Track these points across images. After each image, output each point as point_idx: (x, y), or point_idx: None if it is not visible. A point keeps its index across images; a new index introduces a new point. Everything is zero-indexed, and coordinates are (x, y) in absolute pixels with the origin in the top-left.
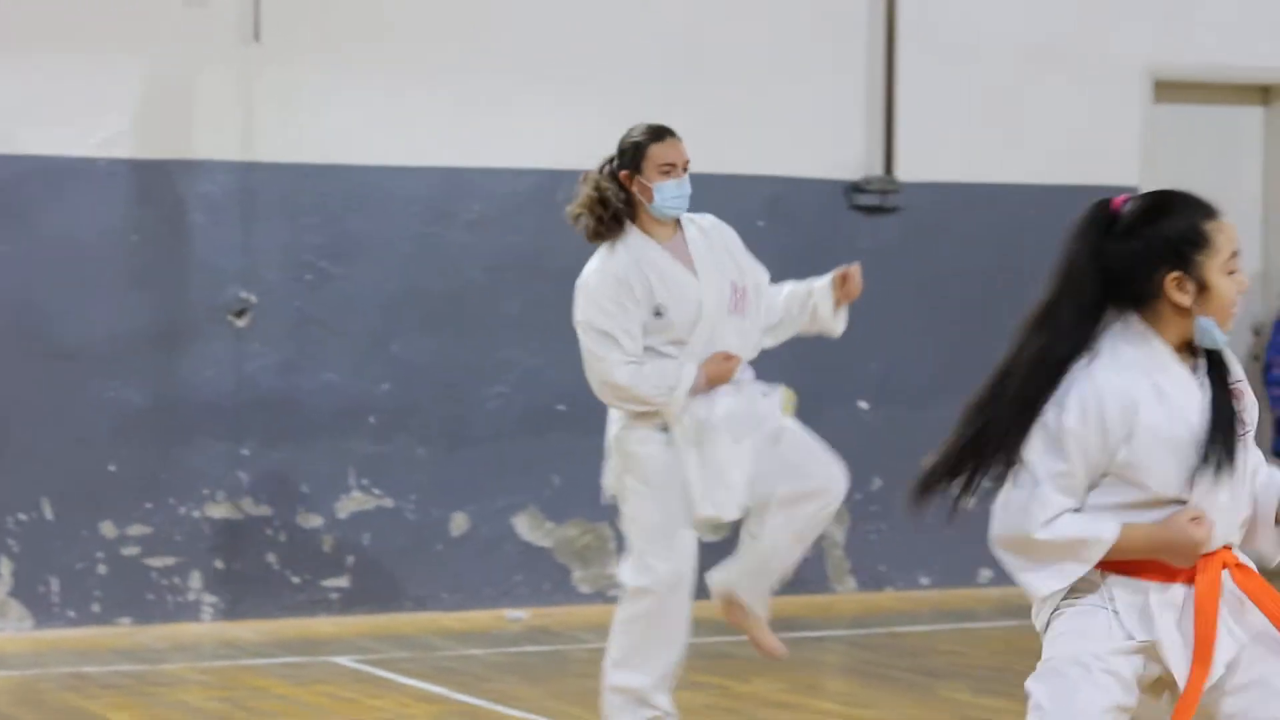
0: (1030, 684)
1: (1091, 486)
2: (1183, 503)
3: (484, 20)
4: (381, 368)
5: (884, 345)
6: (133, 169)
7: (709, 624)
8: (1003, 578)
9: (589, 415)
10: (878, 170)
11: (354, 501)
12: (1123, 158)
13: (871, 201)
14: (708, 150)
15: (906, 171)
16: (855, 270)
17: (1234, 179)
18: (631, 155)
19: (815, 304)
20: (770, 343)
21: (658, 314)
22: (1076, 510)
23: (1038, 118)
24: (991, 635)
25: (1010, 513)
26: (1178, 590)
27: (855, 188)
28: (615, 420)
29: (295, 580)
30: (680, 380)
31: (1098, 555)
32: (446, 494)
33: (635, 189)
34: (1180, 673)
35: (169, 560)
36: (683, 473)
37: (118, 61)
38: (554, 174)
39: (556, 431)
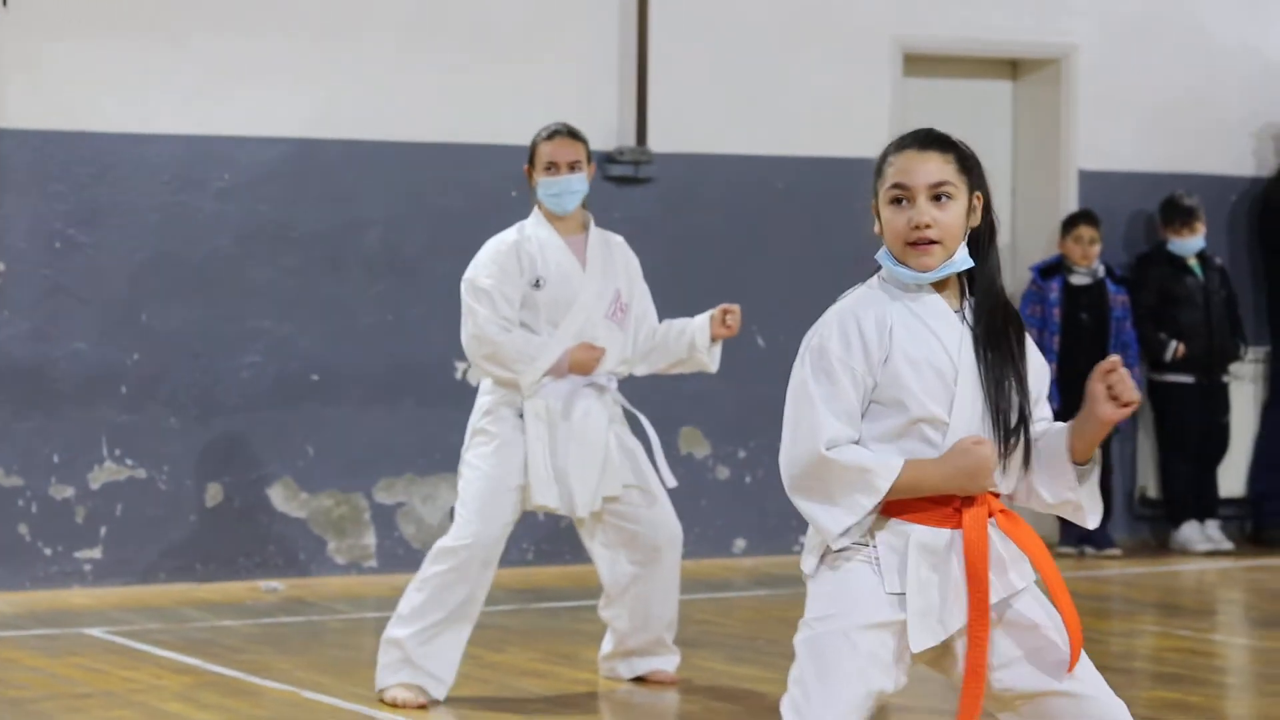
0: (798, 646)
1: (862, 414)
2: (941, 423)
3: None
4: (132, 337)
5: None
6: None
7: None
8: (756, 547)
9: (341, 385)
10: (630, 141)
11: (106, 472)
12: (872, 130)
13: (625, 172)
14: (457, 121)
15: (658, 142)
16: (735, 309)
17: (983, 153)
18: (530, 152)
19: (693, 335)
20: (643, 370)
21: (536, 285)
22: (856, 443)
23: (787, 90)
24: (745, 604)
25: (794, 444)
26: (941, 535)
27: (608, 158)
28: (478, 408)
29: (47, 551)
30: (542, 353)
31: (886, 484)
32: (200, 464)
33: (532, 183)
34: (916, 634)
35: None
36: (525, 455)
37: None
38: (302, 143)
39: (309, 401)
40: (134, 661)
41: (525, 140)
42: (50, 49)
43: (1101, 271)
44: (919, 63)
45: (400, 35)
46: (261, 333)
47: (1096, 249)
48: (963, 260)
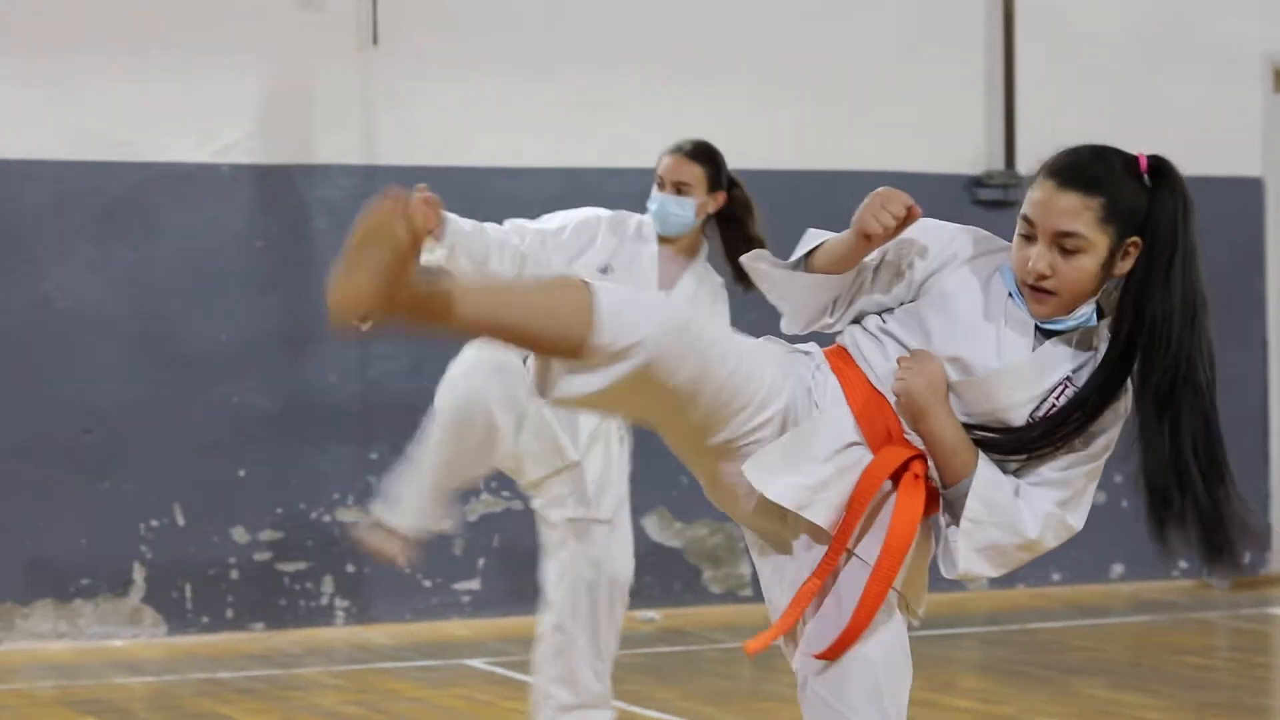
0: None
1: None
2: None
3: (600, 18)
4: None
5: None
6: (254, 175)
7: None
8: (1135, 573)
9: None
10: (999, 164)
11: (484, 504)
12: (1242, 149)
13: (993, 196)
14: (827, 147)
15: (1027, 165)
16: None
17: None
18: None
19: None
20: None
21: (604, 271)
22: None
23: (1155, 108)
24: (1125, 630)
25: None
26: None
27: (976, 182)
28: None
29: (426, 584)
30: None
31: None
32: None
33: None
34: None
35: (300, 565)
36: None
37: (237, 68)
38: None
39: None
40: (516, 692)
41: (895, 167)
42: (420, 86)
43: None
44: None
45: (762, 66)
46: None
47: None
48: (1078, 318)
